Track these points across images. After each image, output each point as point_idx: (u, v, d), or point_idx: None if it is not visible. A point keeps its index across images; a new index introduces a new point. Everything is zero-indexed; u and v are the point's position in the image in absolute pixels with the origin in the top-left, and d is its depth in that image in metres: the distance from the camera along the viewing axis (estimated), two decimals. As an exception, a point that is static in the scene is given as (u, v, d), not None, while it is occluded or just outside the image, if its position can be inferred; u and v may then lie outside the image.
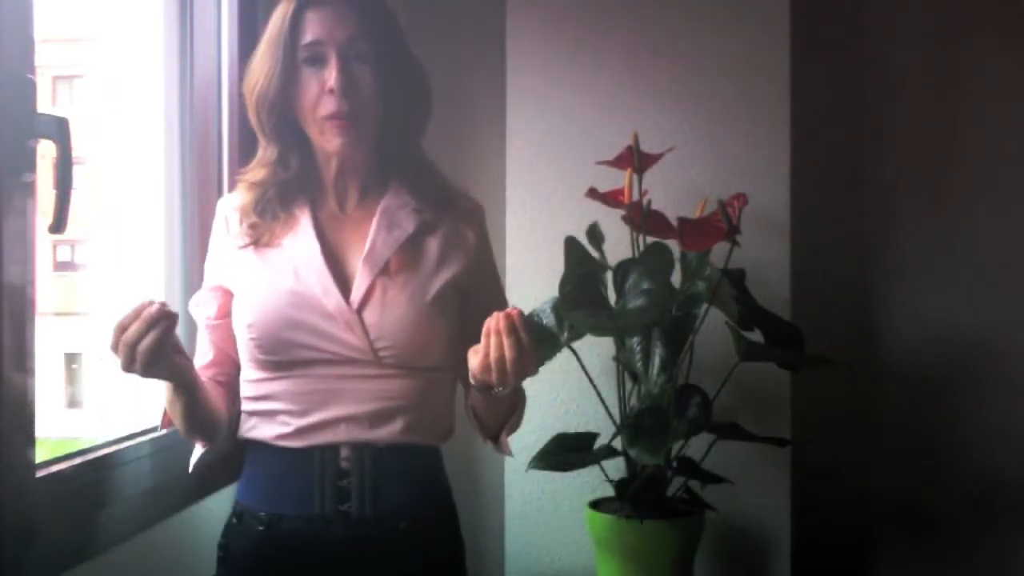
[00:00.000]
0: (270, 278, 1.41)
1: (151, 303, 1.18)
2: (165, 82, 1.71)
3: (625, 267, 1.81)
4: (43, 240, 1.18)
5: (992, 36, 2.36)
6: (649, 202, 1.85)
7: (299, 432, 1.40)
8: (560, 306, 1.82)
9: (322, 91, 1.37)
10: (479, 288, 1.50)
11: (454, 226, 1.47)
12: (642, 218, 1.84)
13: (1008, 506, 2.34)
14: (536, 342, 1.26)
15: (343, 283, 1.40)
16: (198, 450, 1.45)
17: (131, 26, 1.70)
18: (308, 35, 1.38)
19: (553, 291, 1.84)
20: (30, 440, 1.15)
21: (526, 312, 1.75)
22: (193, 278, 1.67)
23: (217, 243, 1.49)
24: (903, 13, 2.39)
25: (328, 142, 1.40)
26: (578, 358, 1.87)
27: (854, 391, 2.30)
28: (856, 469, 2.36)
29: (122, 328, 1.17)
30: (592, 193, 1.89)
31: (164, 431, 1.49)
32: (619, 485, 1.86)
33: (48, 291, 1.62)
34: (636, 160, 1.87)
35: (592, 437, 1.91)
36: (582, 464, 1.88)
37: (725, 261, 1.81)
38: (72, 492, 1.30)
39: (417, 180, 1.47)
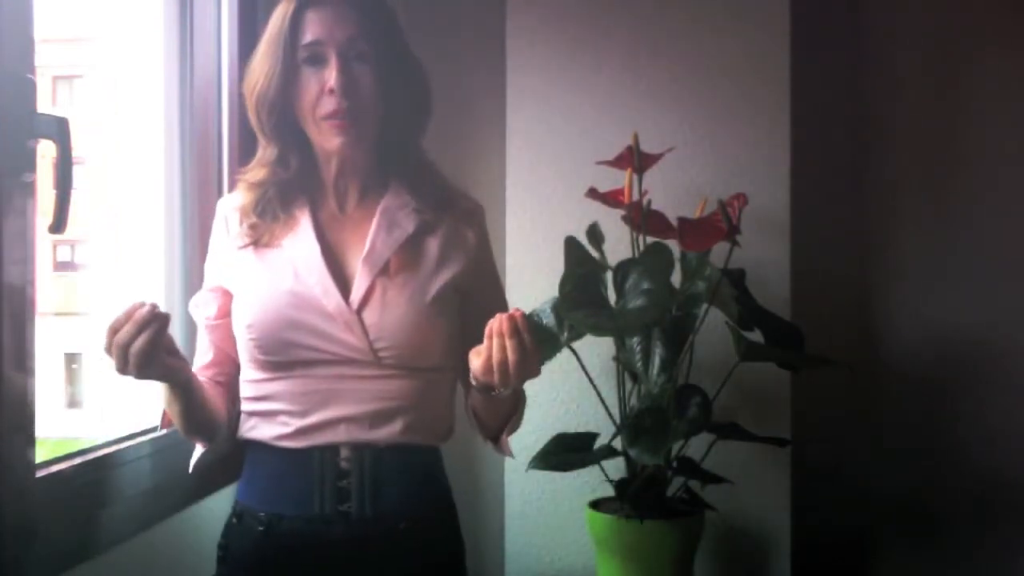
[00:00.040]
0: (270, 278, 1.41)
1: (142, 304, 1.18)
2: (165, 82, 1.71)
3: (625, 267, 1.81)
4: (43, 240, 1.18)
5: (992, 36, 2.37)
6: (649, 202, 1.85)
7: (299, 432, 1.40)
8: (560, 306, 1.82)
9: (322, 91, 1.37)
10: (479, 288, 1.49)
11: (454, 226, 1.47)
12: (642, 218, 1.84)
13: (1008, 506, 2.34)
14: (537, 343, 1.26)
15: (343, 283, 1.40)
16: (198, 450, 1.46)
17: (131, 26, 1.70)
18: (308, 35, 1.38)
19: (553, 291, 1.84)
20: (30, 440, 1.15)
21: (526, 312, 1.75)
22: (193, 278, 1.67)
23: (217, 243, 1.49)
24: (903, 13, 2.39)
25: (328, 142, 1.40)
26: (578, 358, 1.87)
27: (854, 391, 2.30)
28: (856, 469, 2.36)
29: (114, 330, 1.17)
30: (592, 193, 1.89)
31: (164, 431, 1.49)
32: (619, 485, 1.86)
33: (48, 291, 1.62)
34: (636, 160, 1.87)
35: (592, 437, 1.91)
36: (582, 464, 1.88)
37: (725, 261, 1.81)
38: (72, 492, 1.30)
39: (417, 180, 1.47)
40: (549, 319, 1.85)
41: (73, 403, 1.76)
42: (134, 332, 1.16)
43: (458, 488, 1.53)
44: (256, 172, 1.46)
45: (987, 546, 2.35)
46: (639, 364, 1.81)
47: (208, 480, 1.59)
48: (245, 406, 1.45)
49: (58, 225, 1.16)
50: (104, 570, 1.34)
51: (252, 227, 1.44)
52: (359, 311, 1.38)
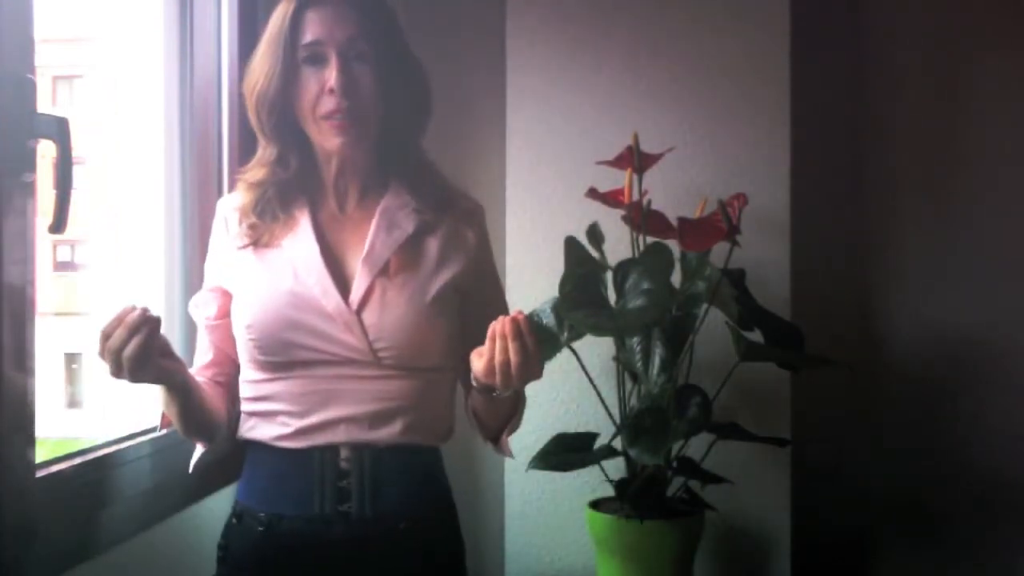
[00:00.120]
0: (269, 279, 1.41)
1: (132, 308, 1.17)
2: (165, 82, 1.71)
3: (625, 267, 1.81)
4: (43, 240, 1.18)
5: (992, 36, 2.36)
6: (649, 202, 1.85)
7: (299, 433, 1.40)
8: (560, 306, 1.82)
9: (322, 91, 1.37)
10: (479, 288, 1.49)
11: (454, 226, 1.47)
12: (642, 218, 1.84)
13: (1008, 506, 2.34)
14: (538, 344, 1.26)
15: (342, 284, 1.40)
16: (198, 450, 1.46)
17: (131, 26, 1.70)
18: (308, 35, 1.38)
19: (553, 291, 1.84)
20: (30, 440, 1.15)
21: (526, 312, 1.75)
22: (193, 278, 1.67)
23: (216, 243, 1.49)
24: (903, 13, 2.39)
25: (328, 141, 1.40)
26: (578, 358, 1.87)
27: (854, 391, 2.30)
28: (856, 469, 2.36)
29: (106, 335, 1.17)
30: (592, 193, 1.89)
31: (163, 431, 1.49)
32: (619, 485, 1.86)
33: (48, 291, 1.62)
34: (636, 160, 1.87)
35: (592, 437, 1.91)
36: (582, 464, 1.88)
37: (725, 261, 1.81)
38: (72, 492, 1.30)
39: (417, 180, 1.47)
40: (549, 319, 1.85)
41: (73, 403, 1.76)
42: (126, 336, 1.16)
43: (458, 488, 1.53)
44: (256, 172, 1.46)
45: (987, 546, 2.35)
46: (639, 364, 1.81)
47: (208, 480, 1.59)
48: (245, 406, 1.45)
49: (58, 225, 1.16)
50: (104, 570, 1.34)
51: (252, 227, 1.44)
52: (359, 311, 1.38)
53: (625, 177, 1.88)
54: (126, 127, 1.71)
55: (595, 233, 1.92)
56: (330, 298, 1.38)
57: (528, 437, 1.91)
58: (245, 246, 1.44)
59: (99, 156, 1.75)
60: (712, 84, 2.10)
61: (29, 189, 1.12)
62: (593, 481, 1.98)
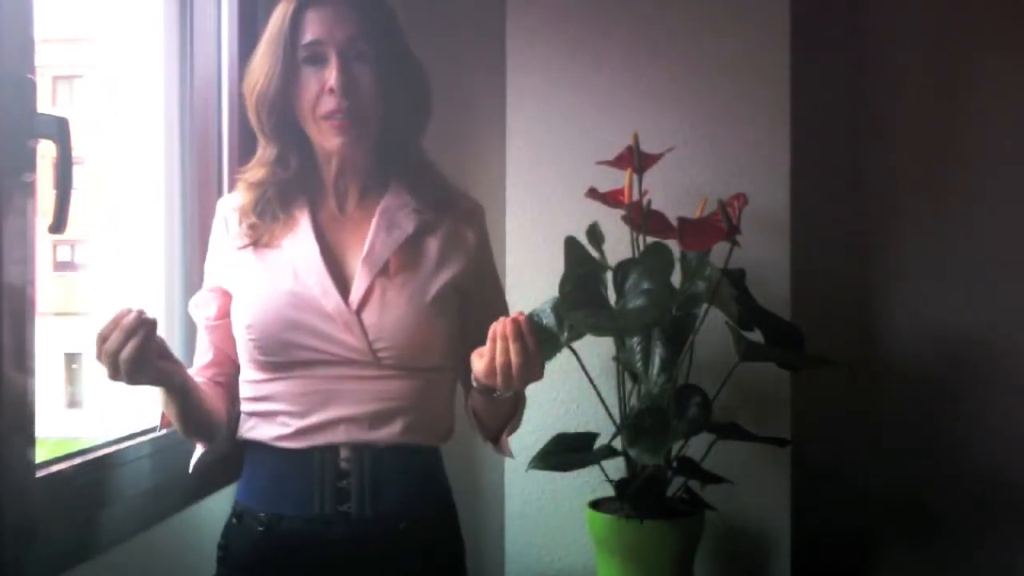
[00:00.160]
0: (269, 279, 1.41)
1: (128, 311, 1.17)
2: (165, 82, 1.71)
3: (625, 267, 1.81)
4: (43, 240, 1.18)
5: (992, 36, 2.36)
6: (649, 202, 1.85)
7: (299, 433, 1.40)
8: (560, 306, 1.82)
9: (322, 91, 1.37)
10: (479, 288, 1.49)
11: (454, 226, 1.47)
12: (642, 218, 1.84)
13: (1008, 506, 2.34)
14: (538, 344, 1.26)
15: (342, 284, 1.40)
16: (198, 450, 1.46)
17: (131, 26, 1.70)
18: (308, 35, 1.38)
19: (553, 291, 1.84)
20: (30, 440, 1.15)
21: (526, 312, 1.75)
22: (193, 278, 1.67)
23: (216, 244, 1.49)
24: (903, 13, 2.39)
25: (328, 141, 1.40)
26: (578, 358, 1.87)
27: (854, 391, 2.30)
28: (856, 469, 2.36)
29: (103, 338, 1.17)
30: (592, 193, 1.89)
31: (163, 431, 1.49)
32: (619, 485, 1.86)
33: (48, 291, 1.62)
34: (636, 160, 1.87)
35: (592, 437, 1.91)
36: (582, 464, 1.88)
37: (725, 261, 1.81)
38: (72, 492, 1.30)
39: (417, 180, 1.47)
40: (549, 319, 1.85)
41: (73, 403, 1.76)
42: (122, 339, 1.16)
43: (458, 488, 1.53)
44: (256, 172, 1.46)
45: (987, 546, 2.35)
46: (639, 364, 1.81)
47: (208, 480, 1.59)
48: (245, 406, 1.45)
49: (58, 225, 1.16)
50: (104, 570, 1.34)
51: (251, 227, 1.44)
52: (358, 312, 1.38)
53: (625, 177, 1.88)
54: (126, 127, 1.71)
55: (595, 233, 1.92)
56: (330, 298, 1.38)
57: (528, 437, 1.91)
58: (245, 246, 1.44)
59: (99, 156, 1.75)
60: (712, 84, 2.10)
61: (29, 189, 1.12)
62: (593, 481, 1.98)
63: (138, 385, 1.22)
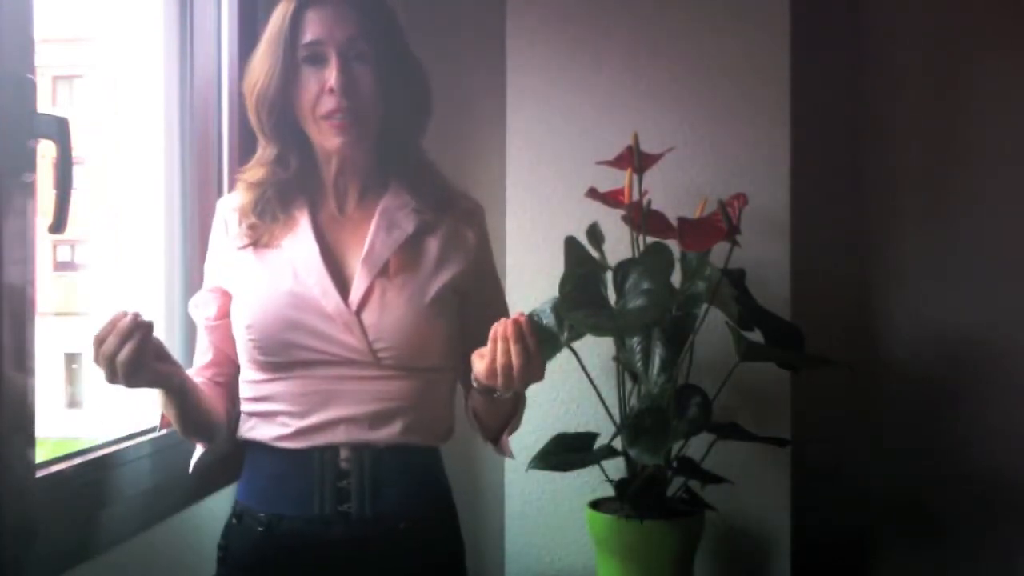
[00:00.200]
0: (269, 279, 1.41)
1: (124, 314, 1.17)
2: (165, 82, 1.71)
3: (625, 267, 1.81)
4: (43, 240, 1.18)
5: (992, 36, 2.36)
6: (649, 202, 1.85)
7: (299, 433, 1.40)
8: (560, 306, 1.82)
9: (322, 90, 1.37)
10: (479, 289, 1.49)
11: (454, 226, 1.47)
12: (642, 218, 1.84)
13: (1008, 506, 2.34)
14: (539, 345, 1.26)
15: (342, 284, 1.40)
16: (198, 450, 1.46)
17: (131, 26, 1.70)
18: (308, 34, 1.38)
19: (553, 291, 1.84)
20: (30, 440, 1.15)
21: (526, 312, 1.75)
22: (193, 278, 1.67)
23: (216, 244, 1.49)
24: (903, 13, 2.39)
25: (328, 141, 1.40)
26: (578, 358, 1.87)
27: (854, 391, 2.30)
28: (856, 469, 2.36)
29: (99, 342, 1.17)
30: (592, 193, 1.89)
31: (163, 431, 1.49)
32: (619, 485, 1.86)
33: (48, 291, 1.62)
34: (636, 160, 1.87)
35: (592, 437, 1.91)
36: (582, 464, 1.88)
37: (725, 261, 1.81)
38: (72, 492, 1.30)
39: (417, 180, 1.47)
40: (549, 319, 1.85)
41: (73, 403, 1.76)
42: (118, 343, 1.16)
43: (458, 488, 1.53)
44: (255, 171, 1.46)
45: (987, 546, 2.35)
46: (639, 364, 1.81)
47: (208, 480, 1.59)
48: (245, 406, 1.45)
49: (58, 225, 1.16)
50: (104, 570, 1.34)
51: (251, 227, 1.44)
52: (358, 312, 1.38)
53: (625, 177, 1.88)
54: (126, 127, 1.71)
55: (595, 233, 1.92)
56: (330, 298, 1.38)
57: (528, 437, 1.91)
58: (245, 246, 1.44)
59: (99, 156, 1.75)
60: (712, 84, 2.10)
61: (29, 189, 1.12)
62: (593, 481, 1.98)
63: (136, 388, 1.21)
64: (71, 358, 1.74)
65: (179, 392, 1.32)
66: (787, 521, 2.09)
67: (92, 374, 1.71)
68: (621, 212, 1.88)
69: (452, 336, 1.45)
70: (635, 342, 1.82)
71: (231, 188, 1.69)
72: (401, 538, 1.41)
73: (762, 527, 2.09)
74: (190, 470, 1.47)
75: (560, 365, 1.89)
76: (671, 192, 2.04)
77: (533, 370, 1.24)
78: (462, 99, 2.21)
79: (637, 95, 2.11)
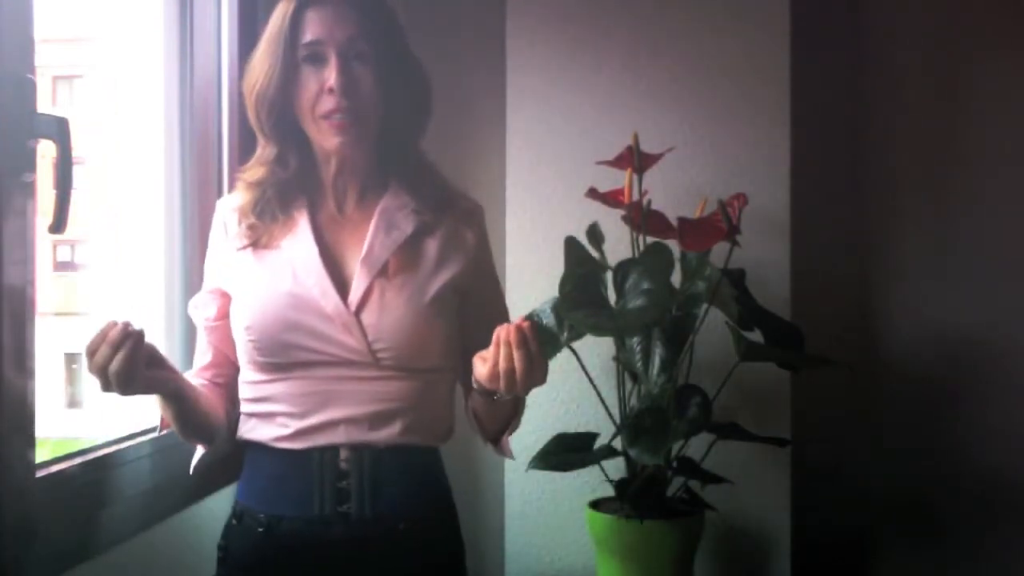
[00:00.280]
0: (268, 280, 1.41)
1: (114, 324, 1.17)
2: (165, 82, 1.71)
3: (625, 267, 1.81)
4: (43, 240, 1.18)
5: (992, 36, 2.36)
6: (649, 202, 1.85)
7: (298, 434, 1.40)
8: (560, 306, 1.82)
9: (321, 90, 1.37)
10: (478, 289, 1.49)
11: (453, 227, 1.47)
12: (642, 218, 1.84)
13: (1008, 506, 2.34)
14: (540, 347, 1.25)
15: (341, 285, 1.40)
16: (199, 451, 1.46)
17: (131, 26, 1.70)
18: (308, 34, 1.38)
19: (553, 291, 1.84)
20: (30, 440, 1.15)
21: (526, 313, 1.75)
22: (193, 278, 1.67)
23: (215, 245, 1.49)
24: (903, 13, 2.39)
25: (327, 141, 1.40)
26: (578, 358, 1.87)
27: (854, 391, 2.30)
28: (856, 469, 2.36)
29: (91, 352, 1.17)
30: (592, 193, 1.89)
31: (163, 432, 1.49)
32: (619, 485, 1.86)
33: (48, 291, 1.62)
34: (636, 160, 1.87)
35: (592, 437, 1.91)
36: (582, 464, 1.88)
37: (725, 261, 1.81)
38: (72, 492, 1.30)
39: (417, 181, 1.47)
40: (549, 319, 1.85)
41: (73, 403, 1.76)
42: (110, 353, 1.16)
43: (458, 488, 1.53)
44: (255, 171, 1.46)
45: (988, 546, 2.35)
46: (639, 364, 1.81)
47: (208, 480, 1.59)
48: (244, 407, 1.45)
49: (58, 225, 1.16)
50: (104, 570, 1.34)
51: (251, 228, 1.44)
52: (357, 312, 1.38)
53: (625, 177, 1.88)
54: (126, 127, 1.71)
55: (595, 233, 1.92)
56: (329, 299, 1.38)
57: (528, 437, 1.91)
58: (244, 247, 1.43)
59: (99, 156, 1.75)
60: (712, 84, 2.10)
61: (29, 189, 1.12)
62: (593, 481, 1.98)
63: (131, 395, 1.21)
64: (71, 358, 1.74)
65: (176, 397, 1.32)
66: (787, 521, 2.09)
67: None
68: (621, 212, 1.88)
69: (451, 336, 1.45)
70: (635, 342, 1.83)
71: (231, 188, 1.69)
72: (401, 538, 1.41)
73: (762, 527, 2.09)
74: (191, 471, 1.46)
75: (560, 365, 1.89)
76: (671, 192, 2.04)
77: (535, 375, 1.23)
78: (462, 99, 2.21)
79: (637, 95, 2.11)
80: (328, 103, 1.37)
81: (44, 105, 1.15)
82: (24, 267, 1.11)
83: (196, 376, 1.48)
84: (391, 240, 1.42)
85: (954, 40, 2.38)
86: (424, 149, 1.50)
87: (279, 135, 1.43)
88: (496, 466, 2.16)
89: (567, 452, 1.89)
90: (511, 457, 1.53)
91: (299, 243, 1.42)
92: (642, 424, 1.79)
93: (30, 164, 1.13)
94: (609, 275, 1.84)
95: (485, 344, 1.26)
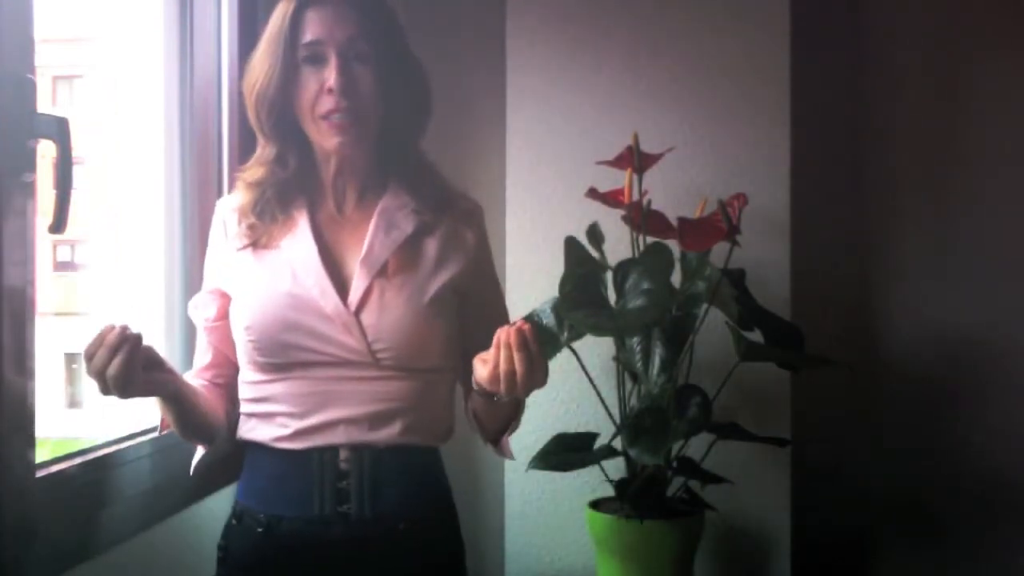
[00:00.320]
0: (268, 280, 1.41)
1: (111, 328, 1.17)
2: (165, 82, 1.71)
3: (625, 267, 1.81)
4: (43, 240, 1.18)
5: (992, 36, 2.36)
6: (649, 202, 1.85)
7: (298, 434, 1.39)
8: (560, 306, 1.82)
9: (321, 90, 1.37)
10: (478, 289, 1.49)
11: (453, 227, 1.47)
12: (642, 218, 1.84)
13: (1008, 506, 2.34)
14: (540, 347, 1.25)
15: (341, 285, 1.40)
16: (199, 452, 1.46)
17: (131, 26, 1.70)
18: (308, 34, 1.38)
19: (553, 291, 1.84)
20: (30, 440, 1.15)
21: (526, 313, 1.75)
22: (193, 278, 1.67)
23: (215, 246, 1.49)
24: (903, 13, 2.39)
25: (326, 141, 1.40)
26: (578, 358, 1.87)
27: (854, 391, 2.30)
28: (856, 469, 2.36)
29: (89, 356, 1.17)
30: (592, 193, 1.89)
31: (163, 433, 1.49)
32: (619, 485, 1.86)
33: (48, 291, 1.62)
34: (636, 160, 1.87)
35: (592, 437, 1.91)
36: (582, 464, 1.88)
37: (725, 261, 1.81)
38: (72, 492, 1.30)
39: (416, 181, 1.47)
40: (549, 319, 1.85)
41: (73, 403, 1.76)
42: (107, 357, 1.16)
43: (458, 488, 1.53)
44: (255, 171, 1.46)
45: (987, 546, 2.35)
46: (639, 364, 1.81)
47: (208, 480, 1.59)
48: (244, 407, 1.45)
49: (58, 225, 1.16)
50: (104, 570, 1.34)
51: (251, 227, 1.44)
52: (357, 313, 1.38)
53: (625, 177, 1.88)
54: (126, 127, 1.71)
55: (595, 233, 1.92)
56: (328, 299, 1.38)
57: (528, 437, 1.91)
58: (244, 247, 1.43)
59: (99, 156, 1.75)
60: (712, 84, 2.10)
61: (29, 189, 1.12)
62: (593, 481, 1.98)
63: (130, 398, 1.21)
64: (71, 358, 1.74)
65: (175, 399, 1.32)
66: (787, 521, 2.09)
67: (92, 374, 1.71)
68: (621, 212, 1.88)
69: (451, 336, 1.45)
70: (635, 342, 1.82)
71: (231, 188, 1.69)
72: (401, 538, 1.41)
73: (762, 527, 2.09)
74: (191, 472, 1.47)
75: (560, 365, 1.89)
76: (671, 192, 2.04)
77: (536, 377, 1.23)
78: (462, 99, 2.21)
79: (637, 95, 2.11)
80: (328, 103, 1.37)
81: (44, 105, 1.15)
82: (24, 267, 1.11)
83: (196, 377, 1.48)
84: (391, 240, 1.42)
85: (954, 40, 2.38)
86: (424, 149, 1.50)
87: (279, 135, 1.43)
88: (496, 466, 2.16)
89: (567, 452, 1.89)
90: (511, 458, 1.52)
91: (299, 243, 1.42)
92: (642, 424, 1.79)
93: (30, 164, 1.13)
94: (609, 275, 1.84)
95: (485, 344, 1.26)
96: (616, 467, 1.90)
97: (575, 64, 2.13)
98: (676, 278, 1.87)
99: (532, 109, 2.14)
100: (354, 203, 1.46)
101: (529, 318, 1.87)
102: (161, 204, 1.70)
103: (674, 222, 1.82)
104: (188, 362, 1.57)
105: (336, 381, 1.38)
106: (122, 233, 1.72)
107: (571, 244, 1.89)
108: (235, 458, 1.49)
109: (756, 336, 1.91)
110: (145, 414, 1.55)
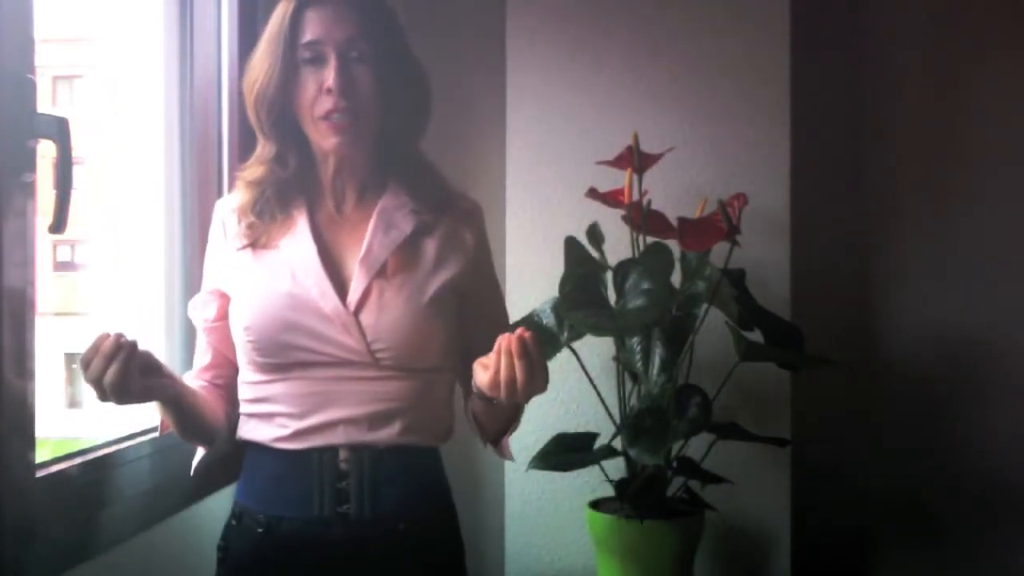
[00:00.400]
0: (267, 280, 1.41)
1: (107, 336, 1.17)
2: (165, 82, 1.71)
3: (625, 267, 1.81)
4: (43, 240, 1.18)
5: (992, 36, 2.37)
6: (649, 202, 1.85)
7: (297, 434, 1.39)
8: (560, 306, 1.82)
9: (320, 90, 1.37)
10: (477, 289, 1.49)
11: (452, 227, 1.47)
12: (642, 218, 1.84)
13: (1008, 506, 2.34)
14: (540, 348, 1.25)
15: (340, 285, 1.39)
16: (199, 452, 1.46)
17: (131, 26, 1.70)
18: (308, 34, 1.38)
19: (553, 291, 1.84)
20: (30, 440, 1.15)
21: (526, 313, 1.75)
22: (193, 278, 1.67)
23: (214, 246, 1.49)
24: (903, 13, 2.39)
25: (325, 140, 1.39)
26: (578, 358, 1.87)
27: (854, 391, 2.30)
28: (856, 469, 2.36)
29: (85, 365, 1.17)
30: (592, 193, 1.89)
31: (163, 434, 1.49)
32: (619, 485, 1.86)
33: (48, 291, 1.62)
34: (636, 160, 1.87)
35: (592, 437, 1.91)
36: (582, 464, 1.88)
37: (725, 261, 1.81)
38: (72, 492, 1.30)
39: (416, 181, 1.46)
40: (549, 319, 1.85)
41: (73, 403, 1.76)
42: (103, 365, 1.16)
43: (458, 488, 1.53)
44: (254, 170, 1.45)
45: (987, 546, 2.35)
46: (639, 364, 1.81)
47: (208, 480, 1.59)
48: (243, 407, 1.45)
49: (58, 225, 1.16)
50: (104, 570, 1.34)
51: (250, 227, 1.43)
52: (356, 313, 1.38)
53: (625, 177, 1.89)
54: (126, 127, 1.71)
55: (595, 233, 1.92)
56: (328, 299, 1.38)
57: (528, 437, 1.91)
58: (243, 247, 1.43)
59: (99, 156, 1.75)
60: (712, 84, 2.10)
61: (29, 189, 1.12)
62: (593, 481, 1.98)
63: (128, 404, 1.21)
64: (71, 358, 1.74)
65: (174, 402, 1.32)
66: (787, 521, 2.09)
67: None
68: (621, 212, 1.88)
69: (451, 336, 1.45)
70: (635, 342, 1.83)
71: (231, 188, 1.69)
72: (401, 539, 1.41)
73: (762, 527, 2.09)
74: (191, 472, 1.47)
75: (560, 365, 1.89)
76: (671, 192, 2.04)
77: (536, 384, 1.23)
78: (462, 99, 2.21)
79: (637, 95, 2.11)
80: (327, 103, 1.37)
81: (44, 105, 1.16)
82: (24, 267, 1.11)
83: (196, 377, 1.48)
84: (390, 240, 1.42)
85: (954, 40, 2.38)
86: (424, 149, 1.50)
87: (278, 135, 1.43)
88: (496, 466, 2.16)
89: (567, 452, 1.89)
90: (511, 459, 1.52)
91: (298, 243, 1.42)
92: (642, 424, 1.79)
93: (30, 164, 1.13)
94: (609, 275, 1.84)
95: (485, 345, 1.26)
96: (616, 467, 1.90)
97: (575, 64, 2.13)
98: (676, 278, 1.87)
99: (532, 109, 2.14)
100: (353, 203, 1.46)
101: (529, 318, 1.88)
102: (161, 204, 1.70)
103: (674, 222, 1.82)
104: (188, 363, 1.57)
105: (335, 381, 1.38)
106: (122, 233, 1.72)
107: (571, 244, 1.89)
108: (235, 458, 1.49)
109: (756, 336, 1.91)
110: (145, 414, 1.55)
